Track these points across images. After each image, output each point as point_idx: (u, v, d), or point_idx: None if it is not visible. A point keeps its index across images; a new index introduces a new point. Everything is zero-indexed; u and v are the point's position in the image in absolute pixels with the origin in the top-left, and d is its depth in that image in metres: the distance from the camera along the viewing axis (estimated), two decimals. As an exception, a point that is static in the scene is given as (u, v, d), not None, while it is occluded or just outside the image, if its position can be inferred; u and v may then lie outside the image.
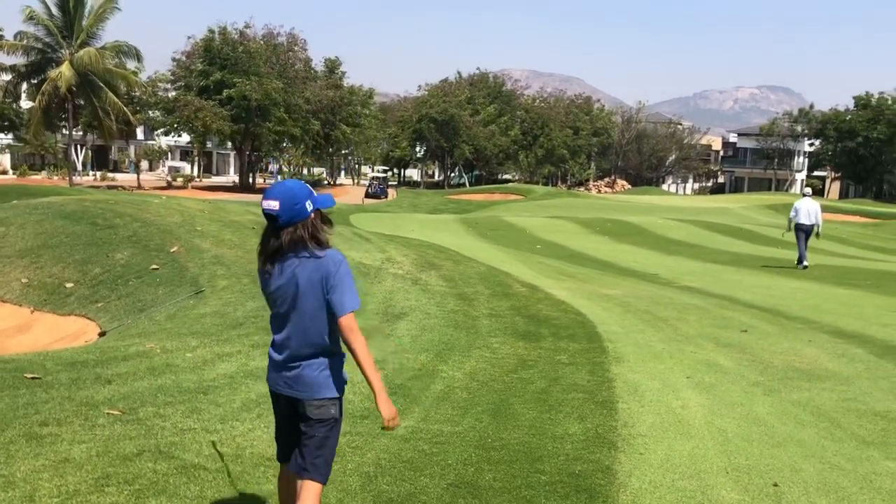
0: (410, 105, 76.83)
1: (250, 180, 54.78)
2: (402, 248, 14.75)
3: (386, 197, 53.89)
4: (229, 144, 54.61)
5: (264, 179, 73.91)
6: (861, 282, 14.72)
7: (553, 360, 7.33)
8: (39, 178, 52.86)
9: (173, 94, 49.12)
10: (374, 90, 71.26)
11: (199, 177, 73.35)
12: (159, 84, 49.15)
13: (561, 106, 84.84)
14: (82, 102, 39.14)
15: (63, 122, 41.28)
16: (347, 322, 2.98)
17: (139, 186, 48.32)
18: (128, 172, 72.36)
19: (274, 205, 2.95)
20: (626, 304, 10.96)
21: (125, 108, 40.15)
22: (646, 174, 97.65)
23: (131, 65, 43.05)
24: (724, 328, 9.39)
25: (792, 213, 17.50)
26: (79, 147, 62.59)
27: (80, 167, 64.91)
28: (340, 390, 3.13)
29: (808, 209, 17.15)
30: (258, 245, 3.10)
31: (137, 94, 45.37)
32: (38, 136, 47.14)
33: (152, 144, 70.54)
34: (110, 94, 38.65)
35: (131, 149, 77.83)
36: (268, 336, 3.64)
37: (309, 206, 3.00)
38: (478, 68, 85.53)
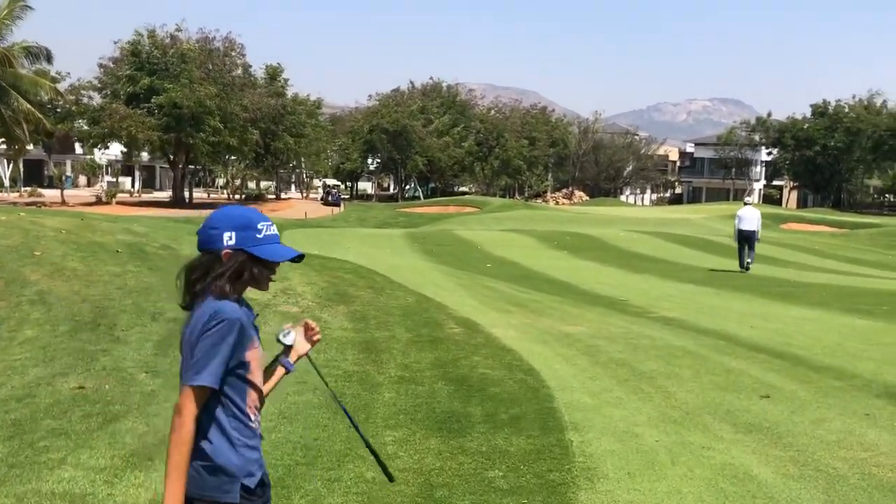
0: (361, 115, 73.87)
1: (186, 195, 51.12)
2: (313, 273, 11.77)
3: (338, 205, 52.21)
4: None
5: (208, 194, 70.22)
6: (874, 307, 12.15)
7: (482, 481, 4.42)
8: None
9: (100, 102, 45.42)
10: (322, 100, 68.17)
11: (138, 192, 69.35)
12: (83, 92, 45.39)
13: (517, 116, 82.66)
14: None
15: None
16: (178, 400, 2.16)
17: (63, 202, 44.51)
18: (64, 188, 68.09)
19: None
20: (593, 351, 8.15)
21: (40, 116, 36.48)
22: (603, 185, 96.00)
23: (49, 69, 39.48)
24: (735, 391, 6.61)
25: (736, 221, 18.73)
26: (5, 161, 58.38)
27: (6, 182, 60.67)
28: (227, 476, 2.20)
29: (750, 217, 18.41)
30: None
31: (47, 99, 41.62)
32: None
33: (92, 159, 66.37)
34: (21, 100, 35.04)
35: (68, 164, 73.49)
36: None
37: (228, 238, 2.25)
38: (431, 77, 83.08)
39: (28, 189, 57.99)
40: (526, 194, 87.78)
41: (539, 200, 78.59)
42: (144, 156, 57.05)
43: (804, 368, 7.61)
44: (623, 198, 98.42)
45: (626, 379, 6.98)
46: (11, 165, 60.93)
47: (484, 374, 6.78)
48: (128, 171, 79.59)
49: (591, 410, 5.87)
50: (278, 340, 2.58)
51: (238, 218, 2.30)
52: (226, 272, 2.24)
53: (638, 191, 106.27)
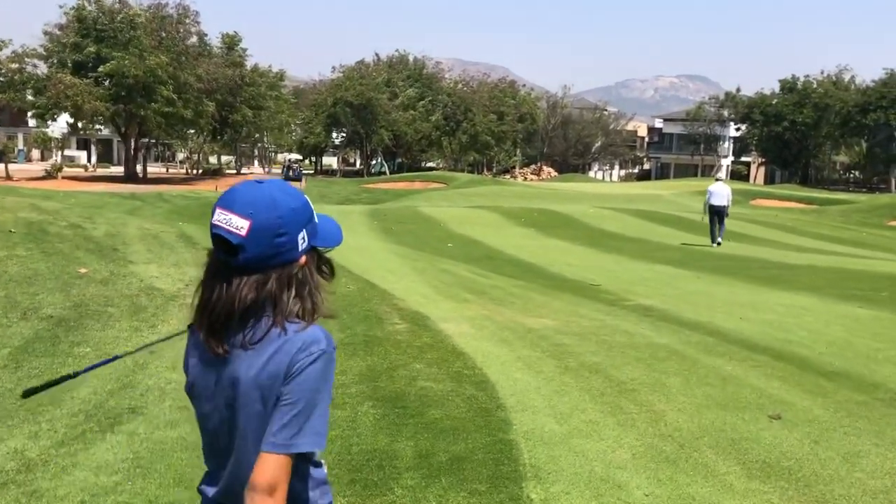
0: (325, 88, 71.69)
1: (138, 169, 48.86)
2: (244, 256, 10.27)
3: (300, 181, 50.30)
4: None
5: (167, 169, 67.79)
6: (872, 294, 10.98)
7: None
8: None
9: (45, 71, 42.92)
10: (284, 72, 65.88)
11: (93, 167, 66.68)
12: (27, 60, 42.85)
13: (485, 90, 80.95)
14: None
15: None
16: (267, 471, 1.52)
17: (7, 177, 42.18)
18: (16, 162, 65.17)
19: (240, 225, 1.58)
20: (561, 352, 6.81)
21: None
22: (572, 161, 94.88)
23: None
24: (736, 409, 5.32)
25: (707, 196, 19.06)
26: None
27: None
28: None
29: (720, 192, 18.69)
30: (196, 297, 1.66)
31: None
32: None
33: (43, 132, 63.55)
34: (-48, 68, 32.70)
35: (20, 136, 70.46)
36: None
37: (303, 240, 1.66)
38: (397, 50, 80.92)
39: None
40: (494, 170, 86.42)
41: (507, 176, 77.32)
42: (101, 129, 54.58)
43: (813, 375, 6.35)
44: (592, 174, 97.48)
45: (601, 392, 5.66)
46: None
47: (424, 390, 5.40)
48: (84, 144, 76.69)
49: (559, 444, 4.53)
50: None
51: (303, 209, 1.66)
52: (314, 284, 1.72)
53: (607, 166, 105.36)
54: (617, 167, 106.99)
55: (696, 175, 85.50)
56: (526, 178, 73.61)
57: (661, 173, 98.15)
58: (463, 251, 16.47)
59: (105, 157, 77.63)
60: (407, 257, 13.64)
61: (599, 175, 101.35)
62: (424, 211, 28.57)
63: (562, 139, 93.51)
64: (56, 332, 6.21)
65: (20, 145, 70.60)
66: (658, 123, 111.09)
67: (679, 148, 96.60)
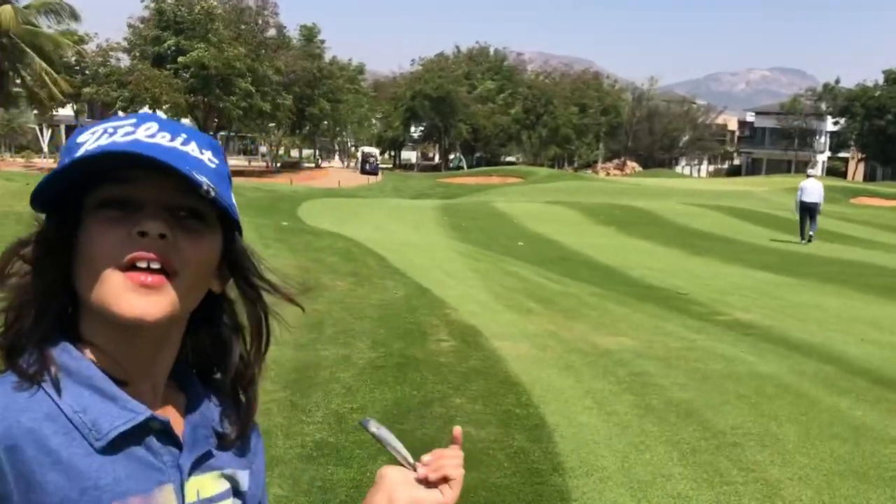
0: (404, 82, 71.08)
1: (218, 162, 49.15)
2: (286, 254, 9.31)
3: (376, 174, 49.86)
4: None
5: (249, 162, 68.51)
6: None
7: None
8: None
9: (128, 64, 43.56)
10: (363, 65, 65.61)
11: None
12: (111, 53, 43.55)
13: (567, 82, 78.85)
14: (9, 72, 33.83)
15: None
16: None
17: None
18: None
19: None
20: (641, 386, 5.49)
21: (56, 77, 34.59)
22: (658, 156, 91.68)
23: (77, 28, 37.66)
24: (879, 479, 3.92)
25: (798, 193, 18.84)
26: (43, 127, 57.33)
27: (45, 148, 59.72)
28: None
29: (813, 188, 18.33)
30: None
31: (74, 61, 39.84)
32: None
33: (131, 124, 64.88)
34: (38, 60, 33.22)
35: (108, 129, 72.38)
36: None
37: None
38: (477, 42, 79.59)
39: (66, 155, 56.76)
40: (575, 164, 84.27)
41: (589, 171, 75.15)
42: (186, 121, 55.49)
43: (979, 429, 4.84)
44: (678, 169, 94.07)
45: (693, 448, 4.33)
46: (51, 132, 59.98)
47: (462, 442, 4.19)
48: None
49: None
50: None
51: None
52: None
53: (694, 162, 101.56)
54: (705, 162, 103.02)
55: (789, 171, 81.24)
56: (608, 174, 71.35)
57: (752, 169, 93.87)
58: (534, 251, 15.15)
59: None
60: (470, 257, 12.44)
61: (686, 171, 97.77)
62: (498, 207, 27.30)
63: (647, 133, 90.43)
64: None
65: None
66: (749, 117, 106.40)
67: (772, 143, 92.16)
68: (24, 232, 0.82)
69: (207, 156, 0.86)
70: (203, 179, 0.79)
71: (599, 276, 11.88)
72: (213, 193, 0.79)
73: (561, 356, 6.18)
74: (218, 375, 0.93)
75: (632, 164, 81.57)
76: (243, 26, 44.56)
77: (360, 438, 4.12)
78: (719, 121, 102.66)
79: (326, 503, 3.40)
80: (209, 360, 0.92)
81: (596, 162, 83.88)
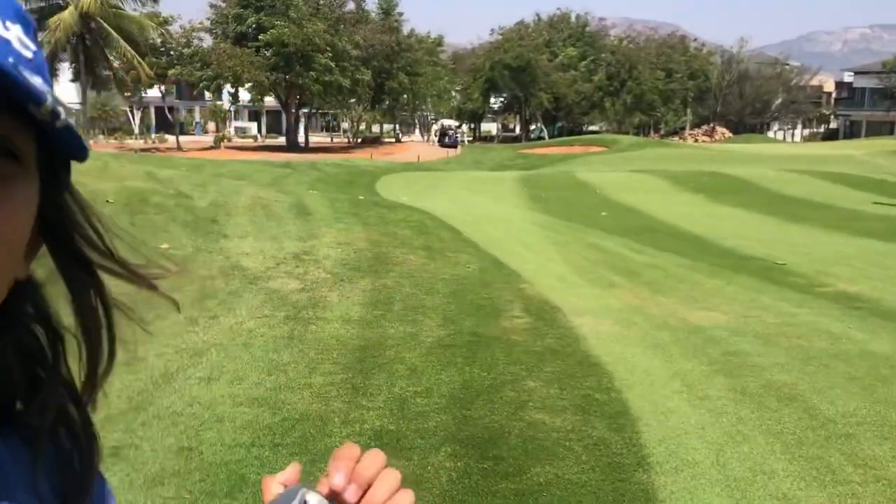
0: (483, 52, 70.22)
1: (300, 139, 49.74)
2: (358, 228, 9.05)
3: (455, 147, 49.58)
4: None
5: (331, 139, 69.18)
6: None
7: None
8: (92, 143, 49.51)
9: (210, 44, 44.28)
10: (442, 37, 65.05)
11: (263, 137, 69.28)
12: (194, 34, 44.33)
13: (652, 46, 76.33)
14: (94, 53, 34.76)
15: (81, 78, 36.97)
16: None
17: (178, 148, 44.15)
18: (194, 134, 68.93)
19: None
20: (737, 366, 4.96)
21: (141, 60, 35.40)
22: (748, 120, 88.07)
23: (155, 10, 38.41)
24: None
25: None
26: (133, 108, 59.24)
27: (136, 129, 61.75)
28: None
29: None
30: None
31: (160, 42, 40.60)
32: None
33: (217, 104, 66.61)
34: (124, 43, 34.02)
35: (196, 109, 74.40)
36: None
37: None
38: (558, 8, 77.74)
39: (157, 136, 58.73)
40: (661, 132, 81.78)
41: (676, 138, 72.77)
42: (260, 99, 56.53)
43: None
44: (771, 134, 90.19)
45: (799, 439, 3.81)
46: (141, 113, 61.95)
47: (533, 427, 3.79)
48: (255, 115, 79.93)
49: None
50: None
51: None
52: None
53: (788, 126, 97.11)
54: (799, 126, 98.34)
55: (891, 133, 76.73)
56: (696, 140, 68.92)
57: (851, 132, 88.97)
58: (617, 221, 14.49)
59: (274, 128, 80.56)
60: (550, 228, 11.93)
61: (780, 135, 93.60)
62: (580, 176, 26.54)
63: (737, 97, 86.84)
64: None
65: (197, 118, 74.54)
66: (848, 77, 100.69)
67: (872, 104, 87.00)
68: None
69: (16, 33, 0.46)
70: (36, 83, 0.42)
71: (688, 247, 11.19)
72: (59, 113, 0.43)
73: (647, 334, 5.68)
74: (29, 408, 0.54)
75: (721, 130, 78.58)
76: (322, 1, 44.61)
77: (422, 427, 3.78)
78: (814, 82, 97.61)
79: (382, 501, 3.06)
80: (11, 389, 0.53)
81: (683, 128, 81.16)
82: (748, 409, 4.23)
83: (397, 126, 73.08)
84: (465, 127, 72.50)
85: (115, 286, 0.53)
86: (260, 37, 41.62)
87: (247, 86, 41.56)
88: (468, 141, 65.47)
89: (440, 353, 4.90)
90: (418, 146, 54.66)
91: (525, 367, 4.69)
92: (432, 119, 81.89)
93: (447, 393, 4.24)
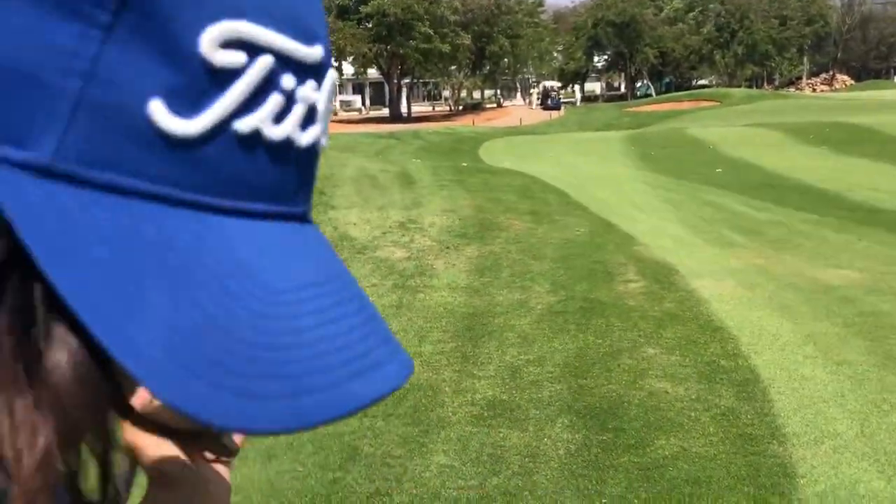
0: (585, 10, 68.44)
1: (402, 109, 50.03)
2: (462, 194, 8.95)
3: (559, 109, 48.92)
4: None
5: (433, 107, 69.32)
6: None
7: None
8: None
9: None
10: (543, -4, 63.67)
11: (366, 109, 70.21)
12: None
13: (765, -8, 72.22)
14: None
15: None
16: None
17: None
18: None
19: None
20: (876, 327, 4.57)
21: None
22: (873, 66, 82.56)
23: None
24: None
25: None
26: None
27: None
28: None
29: None
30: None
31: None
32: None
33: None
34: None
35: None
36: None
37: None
38: (663, -41, 74.56)
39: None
40: (776, 83, 77.65)
41: (792, 89, 68.98)
42: (362, 71, 57.08)
43: None
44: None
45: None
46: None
47: (654, 397, 3.59)
48: (359, 89, 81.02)
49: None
50: None
51: None
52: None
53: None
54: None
55: None
56: (815, 90, 65.10)
57: None
58: (735, 178, 13.79)
59: (378, 100, 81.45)
60: (661, 187, 11.47)
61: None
62: (691, 133, 25.49)
63: (860, 42, 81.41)
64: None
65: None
66: None
67: None
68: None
69: None
70: None
71: (813, 202, 10.51)
72: None
73: (773, 295, 5.32)
74: None
75: (842, 78, 73.89)
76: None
77: (536, 396, 3.63)
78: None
79: (496, 474, 2.95)
80: None
81: (800, 78, 76.79)
82: (894, 375, 3.87)
83: (499, 91, 72.42)
84: (575, 88, 71.06)
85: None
86: (360, 8, 41.90)
87: (349, 59, 42.00)
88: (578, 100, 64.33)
89: (551, 319, 4.73)
90: (520, 110, 53.98)
91: (643, 334, 4.46)
92: (534, 82, 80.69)
93: (561, 361, 4.07)
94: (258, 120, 0.28)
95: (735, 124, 29.67)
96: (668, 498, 2.73)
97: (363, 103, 75.90)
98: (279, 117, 0.29)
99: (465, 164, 13.40)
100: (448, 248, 6.49)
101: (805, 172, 13.99)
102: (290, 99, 0.29)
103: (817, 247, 7.04)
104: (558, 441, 3.20)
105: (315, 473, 2.95)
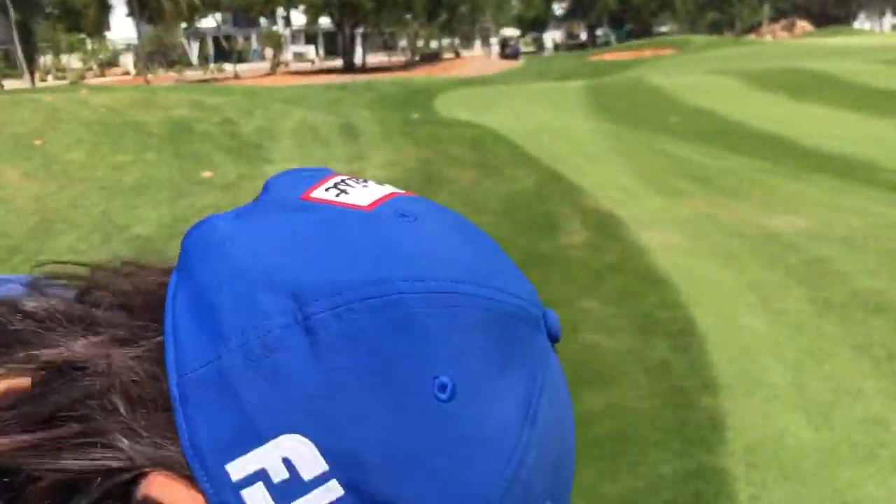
0: (544, -45, 67.39)
1: (357, 60, 49.07)
2: (408, 146, 8.73)
3: (517, 57, 48.52)
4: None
5: (389, 58, 68.13)
6: None
7: None
8: (151, 77, 50.07)
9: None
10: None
11: (320, 60, 68.73)
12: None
13: (725, -64, 71.72)
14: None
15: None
16: None
17: (236, 76, 44.21)
18: (251, 62, 68.85)
19: None
20: (819, 274, 4.52)
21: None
22: (832, 12, 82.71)
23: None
24: None
25: None
26: (189, 39, 59.43)
27: (194, 60, 62.00)
28: None
29: None
30: None
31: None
32: (99, 29, 43.78)
33: (271, 30, 66.09)
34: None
35: (253, 36, 74.20)
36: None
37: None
38: None
39: (215, 66, 58.83)
40: (737, 30, 77.66)
41: (752, 36, 69.00)
42: (325, 21, 55.76)
43: None
44: (857, 25, 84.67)
45: (890, 354, 3.40)
46: (199, 43, 62.03)
47: (588, 349, 3.48)
48: (311, 39, 79.13)
49: (812, 480, 2.47)
50: None
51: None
52: None
53: (876, 16, 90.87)
54: (888, 15, 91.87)
55: None
56: (774, 36, 65.16)
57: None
58: (690, 126, 13.70)
59: (332, 51, 79.70)
60: (614, 137, 11.34)
61: (867, 26, 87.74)
62: (650, 81, 25.31)
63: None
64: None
65: (254, 45, 74.30)
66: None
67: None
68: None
69: None
70: None
71: (766, 149, 10.47)
72: None
73: (718, 243, 5.24)
74: None
75: (802, 24, 73.99)
76: None
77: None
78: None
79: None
80: None
81: (760, 24, 76.84)
82: (831, 323, 3.81)
83: (456, 41, 71.38)
84: (545, 36, 70.21)
85: None
86: (310, -46, 40.75)
87: (300, 7, 40.92)
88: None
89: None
90: (479, 60, 53.24)
91: (581, 286, 4.35)
92: (492, 31, 79.65)
93: (496, 317, 3.94)
94: None
95: (694, 72, 29.57)
96: (590, 455, 2.62)
97: (316, 54, 74.27)
98: None
99: (416, 116, 13.12)
100: (390, 202, 6.29)
101: (760, 119, 13.95)
102: None
103: (768, 195, 6.98)
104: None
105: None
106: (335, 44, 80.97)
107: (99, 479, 0.28)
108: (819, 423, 2.91)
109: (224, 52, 66.65)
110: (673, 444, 2.72)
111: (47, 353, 0.31)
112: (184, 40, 60.72)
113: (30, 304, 0.33)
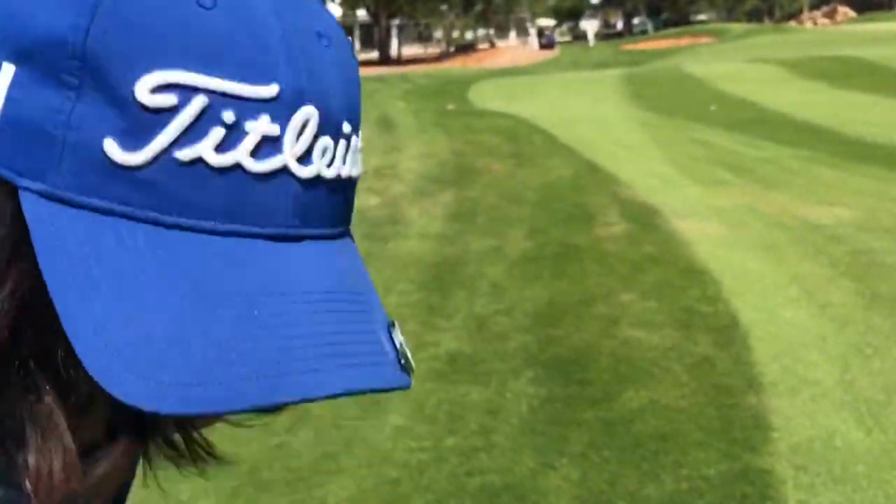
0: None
1: (392, 52, 49.08)
2: (441, 138, 8.66)
3: (552, 47, 48.23)
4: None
5: (425, 49, 68.01)
6: None
7: None
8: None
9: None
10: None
11: (358, 52, 68.97)
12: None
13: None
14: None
15: None
16: None
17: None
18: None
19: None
20: (865, 266, 4.38)
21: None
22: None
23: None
24: None
25: None
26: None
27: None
28: None
29: None
30: None
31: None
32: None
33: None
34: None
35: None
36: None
37: None
38: None
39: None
40: (776, 16, 76.16)
41: (792, 22, 67.58)
42: (361, 14, 55.88)
43: None
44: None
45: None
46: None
47: (627, 344, 3.40)
48: (348, 31, 79.27)
49: (862, 481, 2.37)
50: None
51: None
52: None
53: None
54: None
55: None
56: (815, 23, 63.77)
57: None
58: (728, 115, 13.43)
59: (367, 43, 79.88)
60: (652, 126, 11.16)
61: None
62: (687, 70, 24.94)
63: (862, -28, 79.42)
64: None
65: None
66: None
67: None
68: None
69: None
70: None
71: (806, 138, 10.21)
72: None
73: (759, 235, 5.10)
74: None
75: (843, 10, 72.29)
76: None
77: (502, 349, 3.44)
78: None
79: (453, 433, 2.77)
80: None
81: (800, 11, 75.19)
82: (879, 317, 3.68)
83: (491, 31, 70.99)
84: (587, 25, 69.67)
85: None
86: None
87: (336, 1, 41.00)
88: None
89: (525, 267, 4.53)
90: (514, 50, 52.95)
91: (619, 279, 4.26)
92: (528, 21, 79.05)
93: (531, 311, 3.88)
94: (199, 150, 0.32)
95: (733, 60, 29.07)
96: (631, 455, 2.55)
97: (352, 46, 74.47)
98: (222, 147, 0.33)
99: (450, 107, 13.05)
100: (423, 194, 6.25)
101: (800, 108, 13.63)
102: (234, 131, 0.33)
103: (808, 184, 6.80)
104: (521, 396, 3.02)
105: (259, 438, 2.77)
106: (371, 36, 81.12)
107: None
108: (870, 423, 2.80)
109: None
110: (717, 445, 2.63)
111: None
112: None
113: None
